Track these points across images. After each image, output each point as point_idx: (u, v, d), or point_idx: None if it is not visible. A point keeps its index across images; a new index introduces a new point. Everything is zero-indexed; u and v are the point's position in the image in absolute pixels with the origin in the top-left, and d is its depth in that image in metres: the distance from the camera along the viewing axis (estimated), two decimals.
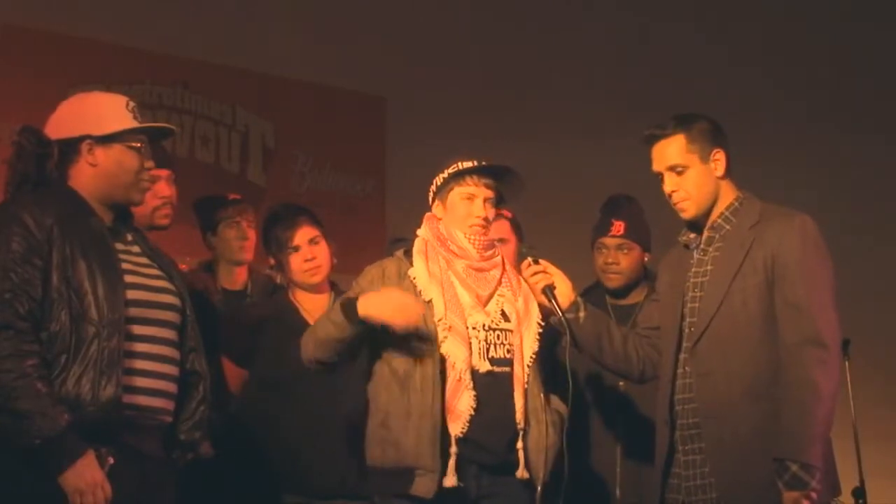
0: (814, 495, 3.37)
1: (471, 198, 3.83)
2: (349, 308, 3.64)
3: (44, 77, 5.68)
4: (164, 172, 4.04)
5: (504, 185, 3.89)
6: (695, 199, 3.67)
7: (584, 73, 7.29)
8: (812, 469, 3.37)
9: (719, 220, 3.67)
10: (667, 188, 3.69)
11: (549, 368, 3.89)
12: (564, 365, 3.71)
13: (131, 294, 3.20)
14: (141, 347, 3.21)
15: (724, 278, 3.59)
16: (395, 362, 3.72)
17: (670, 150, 3.67)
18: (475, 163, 3.85)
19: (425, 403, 3.66)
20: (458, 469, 3.64)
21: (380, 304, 3.62)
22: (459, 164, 3.86)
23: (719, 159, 3.66)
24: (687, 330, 3.63)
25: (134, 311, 3.20)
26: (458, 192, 3.85)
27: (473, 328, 3.75)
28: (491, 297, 3.82)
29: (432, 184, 3.89)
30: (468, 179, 3.84)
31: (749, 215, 3.64)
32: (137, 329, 3.20)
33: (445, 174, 3.86)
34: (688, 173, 3.66)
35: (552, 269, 3.85)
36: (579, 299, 3.85)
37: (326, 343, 3.69)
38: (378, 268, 3.85)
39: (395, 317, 3.61)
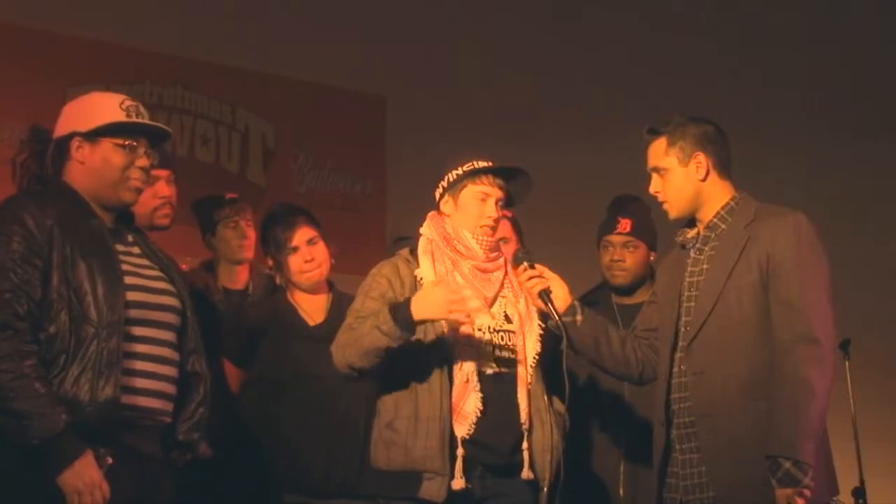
0: (807, 492, 3.37)
1: (484, 198, 3.84)
2: (400, 314, 3.59)
3: (44, 77, 5.68)
4: (163, 172, 4.04)
5: (512, 186, 3.90)
6: (673, 201, 3.70)
7: (584, 73, 7.28)
8: (804, 466, 3.37)
9: (715, 220, 3.67)
10: (651, 189, 3.73)
11: (551, 370, 3.89)
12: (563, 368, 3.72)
13: (131, 295, 3.20)
14: (140, 348, 3.20)
15: (719, 277, 3.59)
16: (402, 364, 3.71)
17: (652, 152, 3.72)
18: (491, 163, 3.86)
19: (433, 406, 3.66)
20: (464, 470, 3.65)
21: (432, 302, 3.57)
22: (475, 162, 3.86)
23: (700, 163, 3.67)
24: (682, 329, 3.64)
25: (133, 313, 3.20)
26: (471, 190, 3.84)
27: (479, 330, 3.75)
28: (495, 298, 3.83)
29: (443, 179, 3.88)
30: (483, 179, 3.84)
31: (744, 214, 3.65)
32: (137, 330, 3.20)
33: (460, 171, 3.85)
34: (667, 175, 3.69)
35: (548, 273, 3.84)
36: (576, 303, 3.85)
37: (375, 352, 3.64)
38: (391, 265, 3.83)
39: (450, 312, 3.57)
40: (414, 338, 3.68)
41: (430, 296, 3.60)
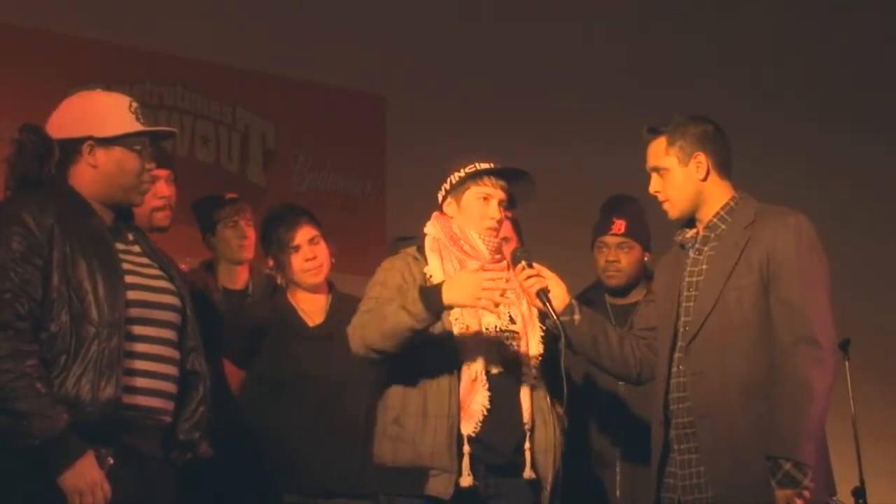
0: (807, 494, 3.37)
1: (487, 198, 3.84)
2: (429, 297, 3.60)
3: (44, 77, 5.68)
4: (163, 172, 4.03)
5: (514, 187, 3.90)
6: (673, 201, 3.69)
7: (584, 73, 7.28)
8: (805, 468, 3.37)
9: (715, 220, 3.67)
10: (651, 188, 3.73)
11: (550, 370, 3.89)
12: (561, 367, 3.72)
13: (131, 294, 3.20)
14: (141, 348, 3.20)
15: (718, 277, 3.59)
16: (409, 359, 3.70)
17: (652, 152, 3.72)
18: (493, 164, 3.86)
19: (442, 403, 3.67)
20: (470, 468, 3.65)
21: (463, 288, 3.58)
22: (476, 164, 3.86)
23: (700, 162, 3.66)
24: (682, 329, 3.64)
25: (134, 312, 3.19)
26: (474, 191, 3.85)
27: (486, 329, 3.76)
28: None
29: (446, 181, 3.89)
30: (486, 180, 3.84)
31: (744, 215, 3.65)
32: (137, 329, 3.19)
33: (462, 173, 3.85)
34: (667, 175, 3.69)
35: (546, 272, 3.83)
36: (574, 302, 3.84)
37: (399, 334, 3.62)
38: (402, 260, 3.84)
39: (478, 300, 3.57)
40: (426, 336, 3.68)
41: (462, 281, 3.61)
